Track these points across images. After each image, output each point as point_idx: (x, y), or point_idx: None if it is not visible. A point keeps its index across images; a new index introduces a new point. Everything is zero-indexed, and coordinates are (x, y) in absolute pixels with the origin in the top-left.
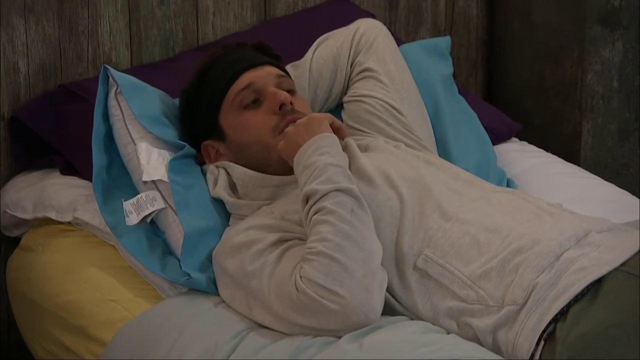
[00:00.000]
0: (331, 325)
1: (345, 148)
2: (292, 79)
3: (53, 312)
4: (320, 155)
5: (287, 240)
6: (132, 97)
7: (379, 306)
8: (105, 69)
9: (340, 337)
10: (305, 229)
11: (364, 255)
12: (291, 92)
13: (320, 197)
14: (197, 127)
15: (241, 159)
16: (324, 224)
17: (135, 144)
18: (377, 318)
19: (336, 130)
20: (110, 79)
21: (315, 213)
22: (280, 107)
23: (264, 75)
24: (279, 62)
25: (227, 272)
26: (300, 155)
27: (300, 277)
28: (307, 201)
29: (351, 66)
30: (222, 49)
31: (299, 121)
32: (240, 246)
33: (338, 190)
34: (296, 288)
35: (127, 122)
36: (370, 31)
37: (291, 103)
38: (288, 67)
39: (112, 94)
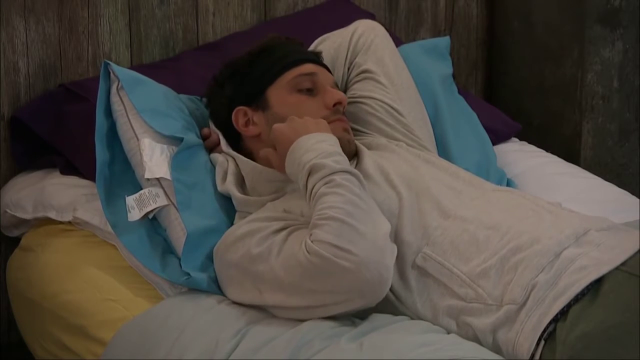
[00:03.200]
0: (345, 286)
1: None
2: None
3: (53, 312)
4: (326, 145)
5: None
6: (134, 91)
7: (391, 266)
8: (106, 65)
9: (353, 306)
10: (307, 205)
11: (374, 222)
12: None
13: (330, 173)
14: (239, 91)
15: (269, 134)
16: (333, 195)
17: (138, 139)
18: (390, 278)
19: None
20: (112, 74)
21: (324, 185)
22: (334, 105)
23: (326, 73)
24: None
25: (231, 263)
26: (305, 139)
27: (312, 241)
28: (309, 175)
29: (349, 68)
30: (287, 38)
31: (307, 117)
32: (244, 236)
33: (349, 171)
34: (307, 251)
35: (130, 117)
36: (368, 32)
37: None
38: None
39: (114, 90)
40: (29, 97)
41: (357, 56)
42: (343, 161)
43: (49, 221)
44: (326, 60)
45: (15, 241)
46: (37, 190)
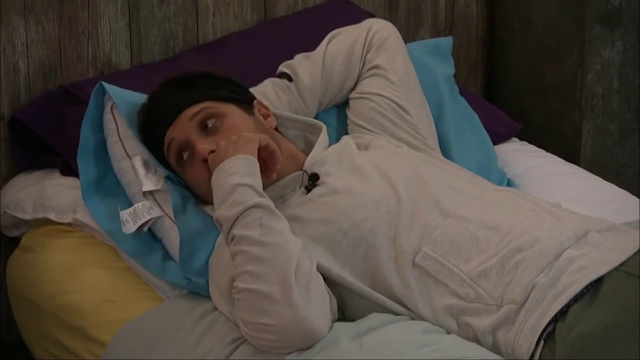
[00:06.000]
0: (283, 350)
1: (343, 148)
2: (306, 68)
3: (53, 313)
4: (228, 176)
5: None
6: (128, 113)
7: (311, 312)
8: (102, 86)
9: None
10: None
11: (278, 269)
12: (212, 117)
13: (231, 225)
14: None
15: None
16: (238, 255)
17: (130, 158)
18: (313, 322)
19: (270, 153)
20: (107, 94)
21: (231, 242)
22: (205, 161)
23: (180, 127)
24: (207, 82)
25: (213, 283)
26: (212, 179)
27: (240, 320)
28: (221, 224)
29: (363, 63)
30: (150, 101)
31: (215, 153)
32: (224, 264)
33: (245, 209)
34: (243, 326)
35: (121, 137)
36: (382, 30)
37: (212, 151)
38: (299, 57)
39: (107, 108)
40: (29, 97)
41: (370, 52)
42: (241, 194)
43: (49, 221)
44: (342, 54)
45: (15, 241)
46: (37, 191)
